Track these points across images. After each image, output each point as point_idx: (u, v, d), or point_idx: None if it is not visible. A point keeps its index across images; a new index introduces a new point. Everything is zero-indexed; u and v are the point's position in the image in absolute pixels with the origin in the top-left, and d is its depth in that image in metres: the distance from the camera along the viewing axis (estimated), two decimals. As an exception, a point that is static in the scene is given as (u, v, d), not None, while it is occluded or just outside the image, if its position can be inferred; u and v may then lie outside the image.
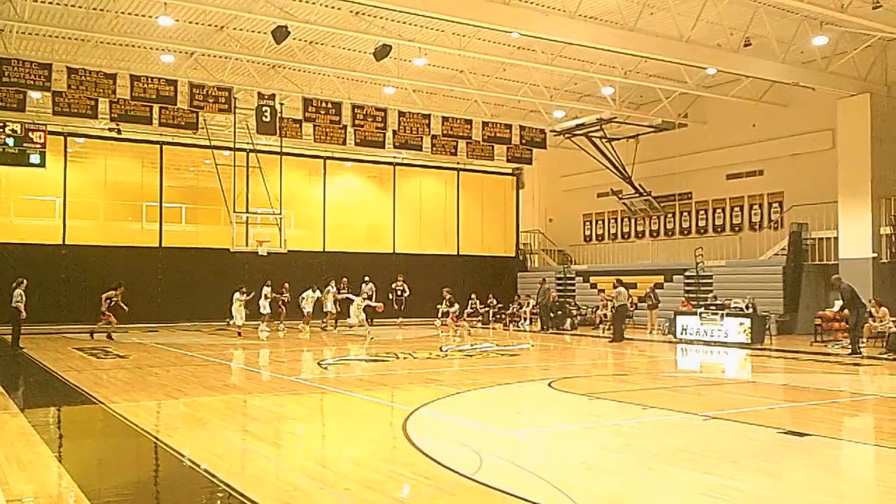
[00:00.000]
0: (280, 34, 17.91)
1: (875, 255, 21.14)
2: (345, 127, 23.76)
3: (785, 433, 7.91)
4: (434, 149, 26.06)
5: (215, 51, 20.28)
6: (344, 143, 24.32)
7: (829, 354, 16.84)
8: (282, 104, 23.25)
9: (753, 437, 7.86)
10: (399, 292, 27.23)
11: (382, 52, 19.27)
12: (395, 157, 30.51)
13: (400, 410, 9.42)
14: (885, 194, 21.40)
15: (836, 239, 22.30)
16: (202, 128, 24.22)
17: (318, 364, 14.86)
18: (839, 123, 22.23)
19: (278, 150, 25.54)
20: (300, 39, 20.24)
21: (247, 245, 24.13)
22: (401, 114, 24.54)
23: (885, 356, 16.13)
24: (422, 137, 25.27)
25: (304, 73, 23.05)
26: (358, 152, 28.82)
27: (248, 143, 25.51)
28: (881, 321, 17.75)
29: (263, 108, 22.17)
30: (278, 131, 23.06)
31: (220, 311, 24.49)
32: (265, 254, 24.01)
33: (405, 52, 20.77)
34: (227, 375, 13.64)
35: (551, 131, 27.80)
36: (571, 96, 25.87)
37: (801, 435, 7.78)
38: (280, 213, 24.62)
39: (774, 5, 17.78)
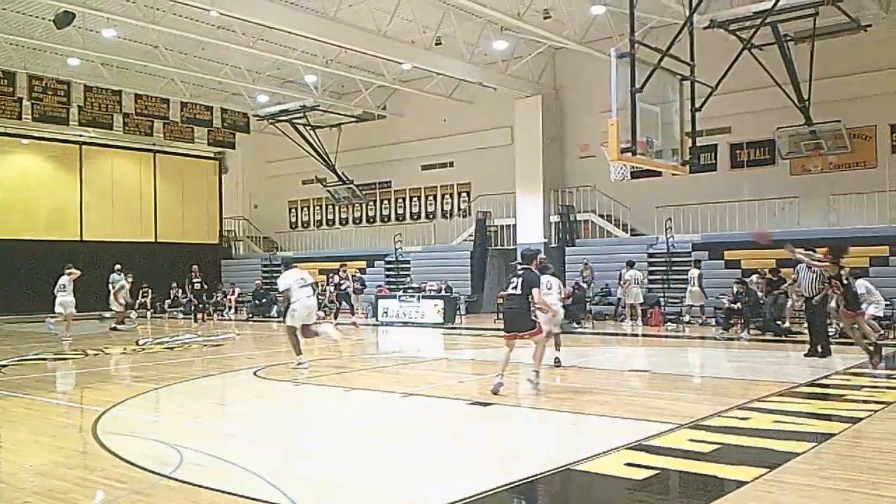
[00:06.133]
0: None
1: (546, 240, 23.93)
2: (20, 100, 21.32)
3: (472, 404, 8.76)
4: (126, 128, 24.37)
5: None
6: (20, 117, 21.85)
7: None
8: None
9: (447, 409, 8.59)
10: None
11: (64, 19, 17.51)
12: (81, 136, 27.90)
13: (90, 412, 8.78)
14: (553, 186, 24.30)
15: (514, 226, 24.83)
16: None
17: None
18: (516, 121, 24.75)
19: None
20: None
21: None
22: (87, 88, 22.57)
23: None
24: (112, 115, 23.49)
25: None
26: (37, 128, 25.88)
27: None
28: None
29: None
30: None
31: None
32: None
33: (92, 21, 19.13)
34: None
35: (254, 116, 27.37)
36: (275, 81, 25.67)
37: (485, 405, 8.67)
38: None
39: (461, 8, 19.20)
